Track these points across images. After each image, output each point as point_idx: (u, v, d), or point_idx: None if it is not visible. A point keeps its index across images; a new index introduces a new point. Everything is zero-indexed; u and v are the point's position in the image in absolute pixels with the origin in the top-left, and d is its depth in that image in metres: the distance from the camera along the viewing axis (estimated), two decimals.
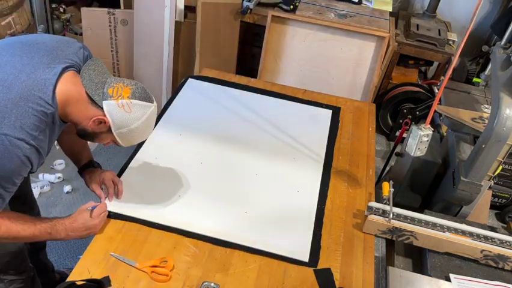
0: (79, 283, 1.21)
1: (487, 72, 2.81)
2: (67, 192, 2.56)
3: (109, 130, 1.27)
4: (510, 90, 1.44)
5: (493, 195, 2.70)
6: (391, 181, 1.55)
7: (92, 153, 1.64)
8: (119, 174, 1.60)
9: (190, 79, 2.16)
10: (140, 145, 1.73)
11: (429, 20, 3.21)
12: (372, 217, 1.49)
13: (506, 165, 2.60)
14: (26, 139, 1.15)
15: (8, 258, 1.54)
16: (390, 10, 3.09)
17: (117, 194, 1.50)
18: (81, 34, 3.17)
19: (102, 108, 1.23)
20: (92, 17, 2.82)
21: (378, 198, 1.66)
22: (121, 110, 1.24)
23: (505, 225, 2.74)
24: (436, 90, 3.05)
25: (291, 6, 2.88)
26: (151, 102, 1.29)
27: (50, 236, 1.32)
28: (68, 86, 1.21)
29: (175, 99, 2.01)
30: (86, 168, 1.55)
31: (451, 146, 1.88)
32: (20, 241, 1.43)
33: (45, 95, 1.17)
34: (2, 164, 1.14)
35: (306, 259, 1.40)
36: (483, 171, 1.58)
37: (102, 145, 2.95)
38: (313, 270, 1.38)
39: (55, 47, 1.26)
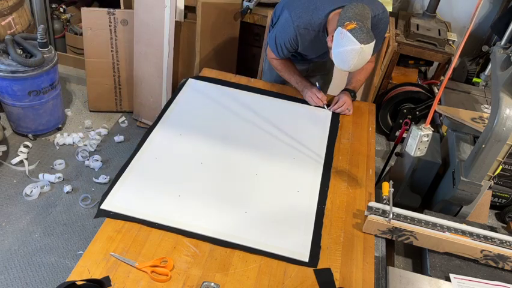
0: (79, 283, 1.21)
1: (487, 72, 2.81)
2: (67, 192, 2.56)
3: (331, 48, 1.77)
4: (510, 90, 1.44)
5: (493, 195, 2.70)
6: (391, 181, 1.55)
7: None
8: (120, 174, 1.61)
9: (190, 79, 2.16)
10: (140, 145, 1.74)
11: (429, 20, 3.20)
12: (372, 217, 1.49)
13: (506, 165, 2.60)
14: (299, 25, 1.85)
15: None
16: (390, 10, 3.09)
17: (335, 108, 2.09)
18: (81, 34, 3.17)
19: None
20: (92, 17, 2.82)
21: (378, 198, 1.66)
22: (338, 35, 1.67)
23: (505, 225, 2.74)
24: (436, 90, 3.05)
25: None
26: (360, 43, 1.61)
27: (297, 86, 2.12)
28: (333, 15, 1.82)
29: (175, 99, 2.01)
30: (344, 90, 2.13)
31: (451, 146, 1.88)
32: (285, 78, 2.11)
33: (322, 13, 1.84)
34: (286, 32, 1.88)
35: (306, 259, 1.40)
36: (483, 171, 1.59)
37: (105, 145, 2.95)
38: (313, 270, 1.38)
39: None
